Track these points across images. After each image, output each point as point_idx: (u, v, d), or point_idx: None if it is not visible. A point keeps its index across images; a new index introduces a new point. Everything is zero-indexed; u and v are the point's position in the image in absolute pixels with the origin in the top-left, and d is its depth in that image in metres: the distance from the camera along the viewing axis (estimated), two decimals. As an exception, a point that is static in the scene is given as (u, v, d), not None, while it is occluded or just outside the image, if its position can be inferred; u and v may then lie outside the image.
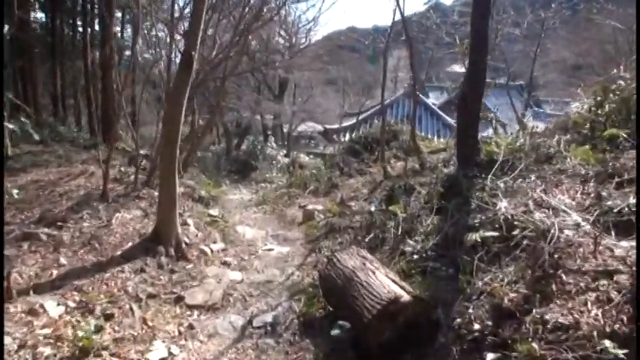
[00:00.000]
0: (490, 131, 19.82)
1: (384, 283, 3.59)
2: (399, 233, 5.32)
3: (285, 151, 19.96)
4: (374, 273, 3.78)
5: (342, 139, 16.11)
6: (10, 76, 13.60)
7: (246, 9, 11.19)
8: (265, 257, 6.05)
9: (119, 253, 4.99)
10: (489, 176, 5.28)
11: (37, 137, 8.05)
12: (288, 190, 10.54)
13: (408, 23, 8.37)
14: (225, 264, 5.67)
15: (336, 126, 18.11)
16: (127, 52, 16.01)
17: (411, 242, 4.80)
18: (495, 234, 4.06)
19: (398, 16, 8.56)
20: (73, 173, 8.46)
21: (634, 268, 2.85)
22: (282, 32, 21.73)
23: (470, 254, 4.10)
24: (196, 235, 6.23)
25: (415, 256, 4.52)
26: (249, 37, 12.51)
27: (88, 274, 4.57)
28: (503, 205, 4.51)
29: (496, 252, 3.99)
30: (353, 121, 18.33)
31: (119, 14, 15.22)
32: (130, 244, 5.24)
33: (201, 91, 15.17)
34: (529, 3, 13.02)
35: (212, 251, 5.92)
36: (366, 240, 5.66)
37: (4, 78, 10.30)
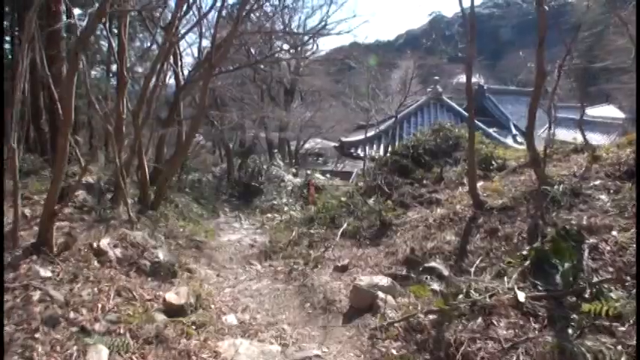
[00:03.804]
0: (509, 140, 15.69)
1: None
2: None
3: (294, 170, 15.84)
4: None
5: (368, 154, 12.03)
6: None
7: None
8: None
9: None
10: None
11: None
12: (309, 230, 6.41)
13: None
14: None
15: (355, 138, 14.01)
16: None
17: None
18: None
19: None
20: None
21: None
22: (287, 37, 17.83)
23: None
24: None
25: None
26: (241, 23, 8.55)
27: None
28: None
29: None
30: (371, 132, 14.37)
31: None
32: None
33: (189, 95, 11.21)
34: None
35: None
36: None
37: None
